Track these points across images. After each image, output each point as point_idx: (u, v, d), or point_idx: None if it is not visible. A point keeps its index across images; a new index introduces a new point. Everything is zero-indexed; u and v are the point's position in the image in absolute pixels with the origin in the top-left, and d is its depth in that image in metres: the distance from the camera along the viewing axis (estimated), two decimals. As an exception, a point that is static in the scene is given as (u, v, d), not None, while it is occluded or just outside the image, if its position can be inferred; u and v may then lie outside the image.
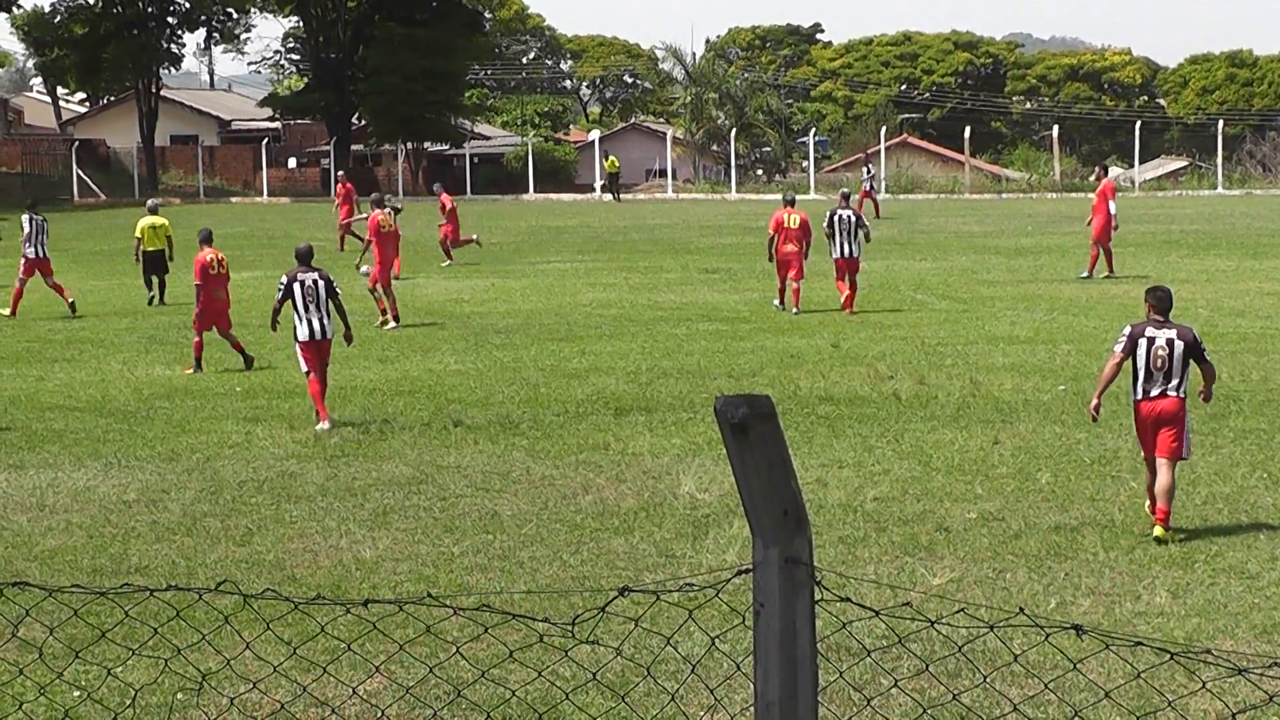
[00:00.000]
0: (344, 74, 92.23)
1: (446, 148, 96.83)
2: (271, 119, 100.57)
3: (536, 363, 23.35)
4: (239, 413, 19.41)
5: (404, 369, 22.98)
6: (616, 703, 8.99)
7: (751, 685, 3.76)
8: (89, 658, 9.34)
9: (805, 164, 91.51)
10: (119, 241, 46.35)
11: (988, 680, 9.15)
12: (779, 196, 38.45)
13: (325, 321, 18.97)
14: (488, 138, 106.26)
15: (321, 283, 19.11)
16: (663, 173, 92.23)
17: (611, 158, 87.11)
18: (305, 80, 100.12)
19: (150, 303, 32.56)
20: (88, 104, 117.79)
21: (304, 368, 18.94)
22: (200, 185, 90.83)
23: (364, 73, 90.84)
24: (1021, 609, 5.04)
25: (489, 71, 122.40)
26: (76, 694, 9.31)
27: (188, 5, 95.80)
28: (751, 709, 3.76)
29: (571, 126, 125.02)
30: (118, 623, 9.78)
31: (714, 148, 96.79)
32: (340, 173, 50.72)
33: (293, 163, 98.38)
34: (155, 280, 32.87)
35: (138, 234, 33.12)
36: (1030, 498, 14.22)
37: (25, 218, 31.82)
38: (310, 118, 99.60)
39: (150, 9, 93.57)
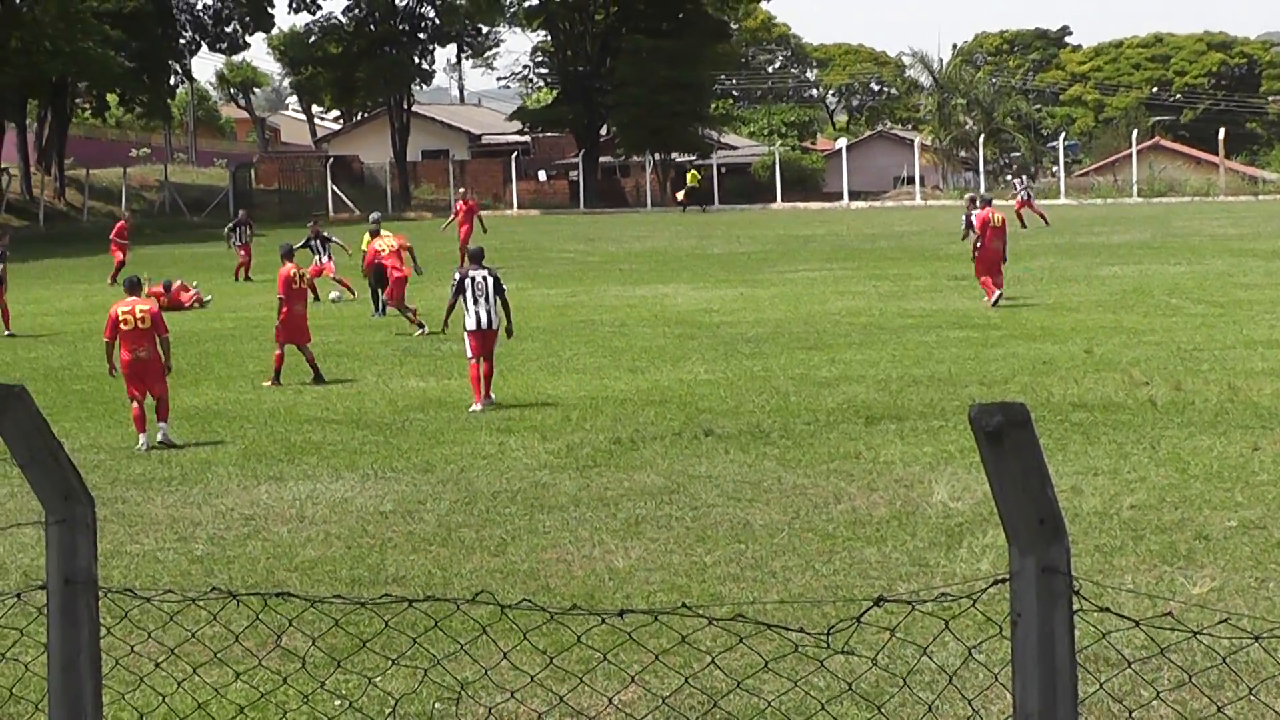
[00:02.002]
0: (592, 86, 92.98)
1: (694, 158, 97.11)
2: (521, 132, 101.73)
3: (786, 371, 23.27)
4: (492, 424, 19.59)
5: (654, 379, 23.03)
6: (872, 713, 8.89)
7: (1009, 696, 3.68)
8: (350, 667, 9.48)
9: (1055, 168, 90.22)
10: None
11: (1253, 692, 8.88)
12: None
13: (491, 314, 20.93)
14: (735, 148, 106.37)
15: (490, 280, 21.13)
16: (910, 180, 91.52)
17: (693, 171, 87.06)
18: (554, 93, 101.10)
19: (373, 315, 33.24)
20: (341, 121, 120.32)
21: (469, 354, 21.01)
22: (452, 199, 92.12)
23: (611, 85, 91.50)
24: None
25: (735, 81, 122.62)
26: (338, 703, 9.44)
27: (438, 22, 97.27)
28: (1011, 722, 3.67)
29: (818, 135, 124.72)
30: (377, 632, 9.90)
31: (962, 154, 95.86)
32: (462, 189, 50.16)
33: (542, 175, 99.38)
34: (381, 292, 33.54)
35: (364, 248, 33.90)
36: (1296, 506, 13.81)
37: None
38: (559, 130, 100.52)
39: (402, 27, 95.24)
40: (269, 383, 23.81)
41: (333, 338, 29.77)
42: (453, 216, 47.93)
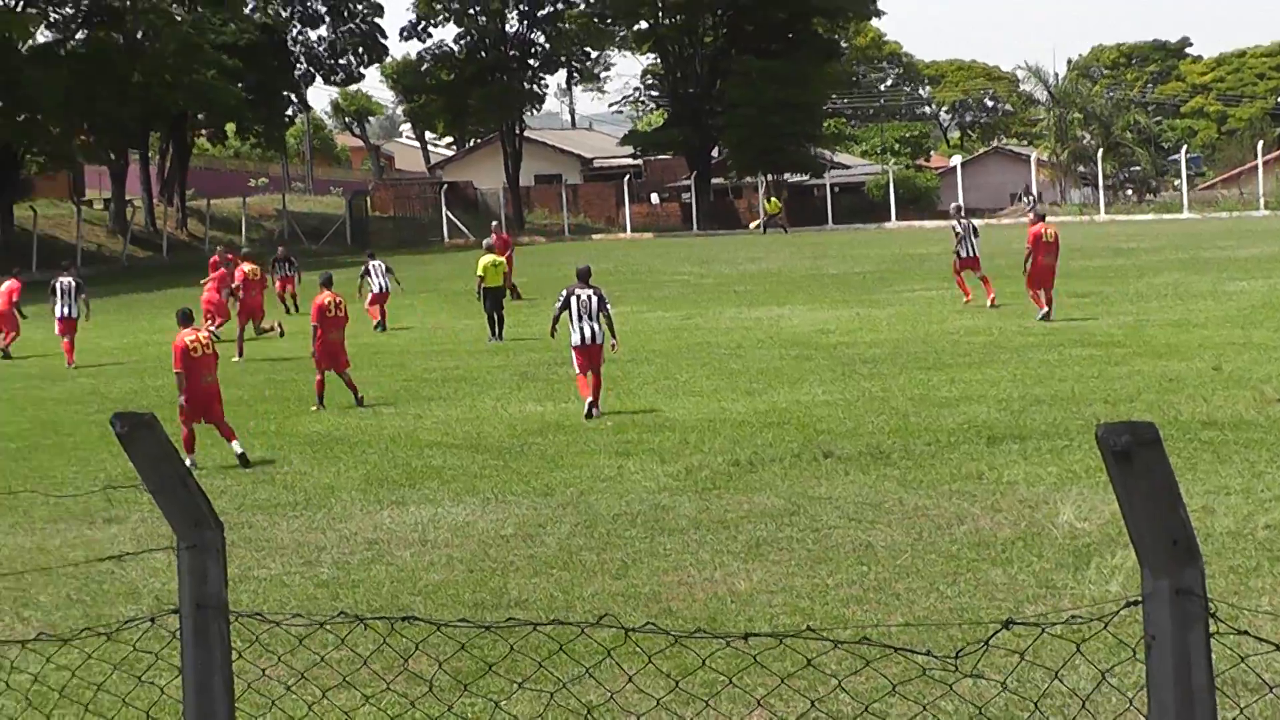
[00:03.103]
0: (702, 109, 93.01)
1: (806, 178, 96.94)
2: (632, 156, 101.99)
3: (905, 392, 23.10)
4: (610, 447, 19.58)
5: (772, 400, 22.94)
6: (1002, 738, 8.77)
7: (1144, 721, 3.60)
8: (476, 690, 9.47)
9: (1177, 182, 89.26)
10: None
11: (1396, 717, 8.69)
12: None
13: (596, 329, 22.31)
14: (847, 167, 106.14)
15: (595, 297, 22.44)
16: (1027, 195, 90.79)
17: (773, 199, 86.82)
18: (664, 116, 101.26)
19: (490, 340, 33.35)
20: (455, 147, 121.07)
21: (576, 368, 22.53)
22: (565, 223, 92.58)
23: (722, 107, 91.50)
24: None
25: (847, 100, 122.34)
26: (464, 726, 9.45)
27: (548, 48, 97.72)
28: (1155, 748, 3.58)
29: (932, 152, 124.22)
30: (502, 656, 9.89)
31: (1080, 169, 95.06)
32: (495, 223, 49.50)
33: (655, 198, 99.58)
34: (496, 317, 33.69)
35: (480, 271, 34.11)
36: None
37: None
38: (670, 153, 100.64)
39: (512, 53, 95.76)
40: (315, 408, 24.35)
41: (450, 363, 29.90)
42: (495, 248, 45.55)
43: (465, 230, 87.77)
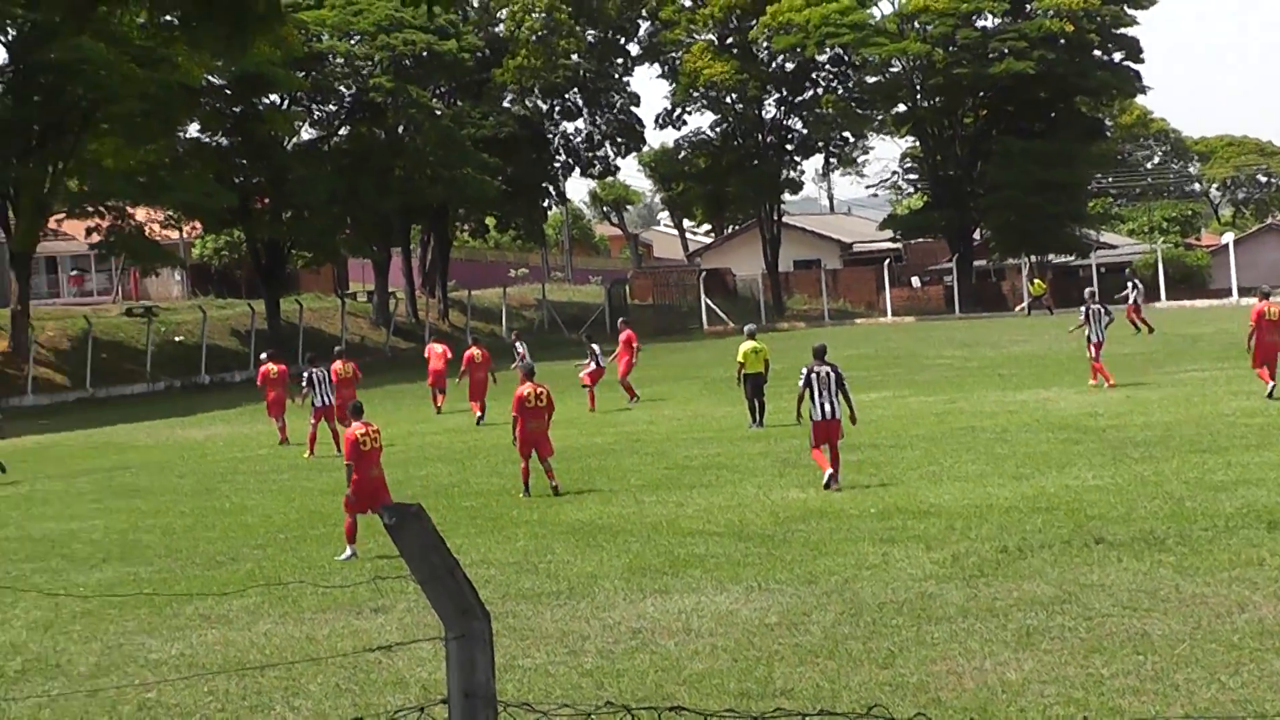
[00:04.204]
0: (963, 190, 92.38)
1: (1071, 258, 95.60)
2: (892, 239, 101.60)
3: (1179, 475, 22.49)
4: (875, 534, 19.34)
5: (1039, 485, 22.50)
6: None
7: None
8: (743, 783, 9.34)
9: None
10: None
11: None
12: None
13: (834, 406, 23.49)
14: (1114, 246, 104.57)
15: (833, 374, 23.69)
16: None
17: (1038, 280, 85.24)
18: (924, 199, 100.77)
19: (750, 427, 33.22)
20: (713, 234, 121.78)
21: (813, 442, 23.78)
22: (824, 308, 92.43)
23: (983, 188, 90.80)
24: None
25: (1112, 179, 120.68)
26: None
27: (805, 133, 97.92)
28: None
29: (1202, 230, 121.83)
30: (769, 748, 9.75)
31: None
32: (621, 319, 48.58)
33: (916, 281, 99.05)
34: (757, 403, 33.54)
35: (740, 358, 34.07)
36: None
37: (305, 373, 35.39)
38: (931, 236, 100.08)
39: (769, 139, 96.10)
40: (523, 495, 24.91)
41: (711, 450, 29.88)
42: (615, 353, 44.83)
43: (724, 317, 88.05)
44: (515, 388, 26.41)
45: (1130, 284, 64.50)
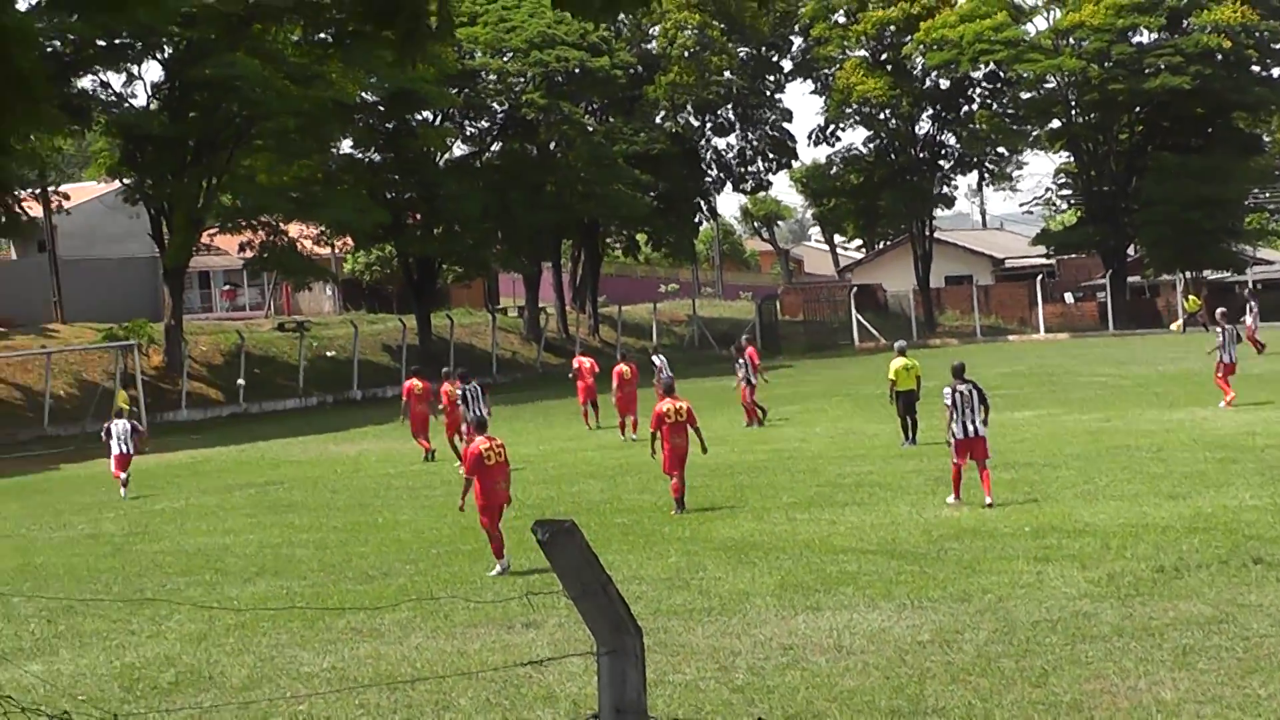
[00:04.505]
0: (1117, 206, 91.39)
1: (1227, 274, 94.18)
2: (1045, 255, 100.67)
3: (1339, 495, 22.13)
4: (1029, 552, 19.18)
5: (1196, 505, 22.19)
6: None
7: None
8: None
9: None
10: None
11: None
12: None
13: (976, 423, 23.64)
14: (1271, 262, 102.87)
15: (974, 392, 23.84)
16: None
17: (1192, 297, 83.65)
18: (1078, 214, 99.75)
19: (903, 444, 33.02)
20: (864, 250, 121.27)
21: (955, 459, 23.78)
22: (976, 324, 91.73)
23: (1138, 204, 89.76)
24: None
25: (1270, 194, 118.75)
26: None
27: (959, 149, 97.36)
28: None
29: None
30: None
31: None
32: (740, 342, 47.13)
33: (1069, 298, 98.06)
34: (910, 421, 33.32)
35: (892, 375, 33.85)
36: None
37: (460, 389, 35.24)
38: (1084, 252, 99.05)
39: (922, 154, 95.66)
40: (674, 512, 24.90)
41: (864, 468, 29.76)
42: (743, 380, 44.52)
43: (875, 333, 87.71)
44: (654, 404, 26.43)
45: (1249, 305, 63.64)
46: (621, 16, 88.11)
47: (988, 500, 23.19)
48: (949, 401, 23.90)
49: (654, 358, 44.72)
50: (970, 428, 23.66)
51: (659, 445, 25.59)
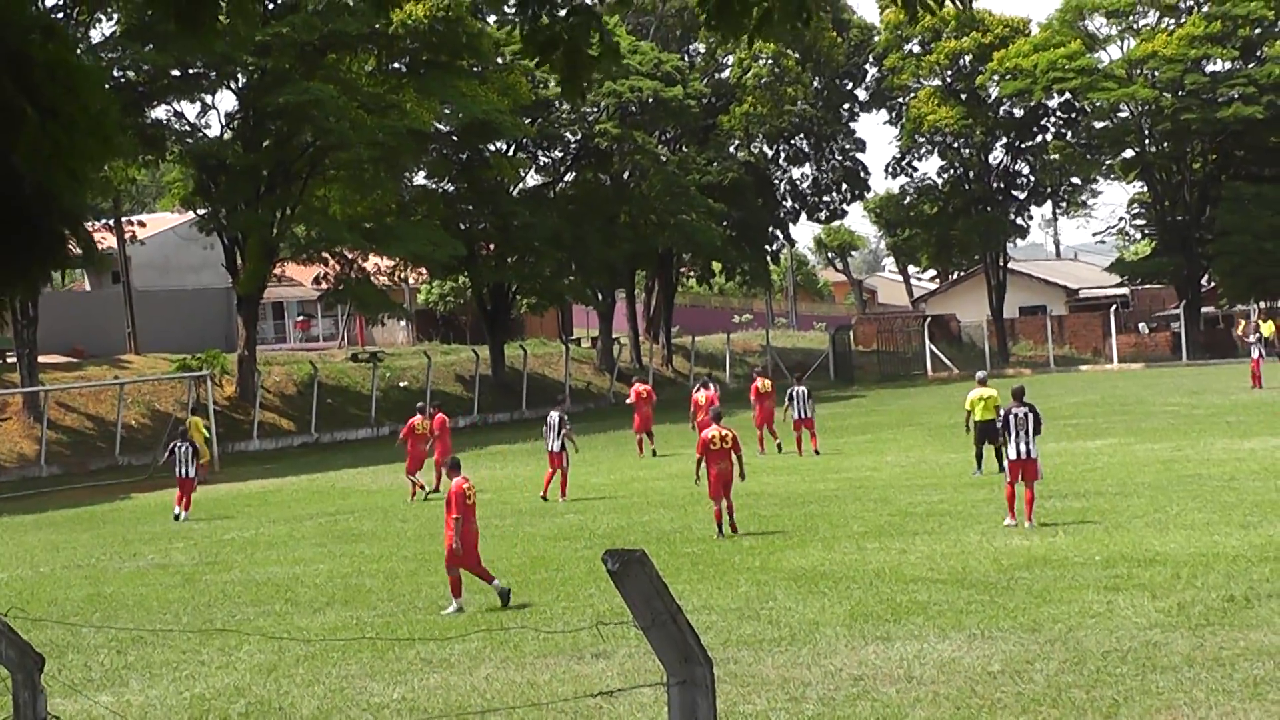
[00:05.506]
0: (1192, 236, 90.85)
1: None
2: (1119, 285, 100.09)
3: None
4: (1099, 582, 19.16)
5: (1268, 534, 22.11)
6: None
7: None
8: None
9: None
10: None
11: None
12: None
13: (1030, 446, 24.41)
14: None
15: (1030, 415, 24.56)
16: None
17: (1269, 321, 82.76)
18: (1152, 244, 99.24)
19: (974, 473, 32.98)
20: (937, 280, 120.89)
21: (1008, 478, 24.81)
22: (1050, 354, 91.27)
23: (1212, 234, 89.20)
24: None
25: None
26: None
27: (1033, 179, 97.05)
28: None
29: None
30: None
31: None
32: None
33: (1143, 328, 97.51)
34: (983, 451, 33.25)
35: (968, 406, 33.81)
36: None
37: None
38: (1158, 282, 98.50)
39: (997, 185, 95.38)
40: (717, 536, 25.70)
41: (935, 497, 29.74)
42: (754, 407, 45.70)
43: (948, 364, 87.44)
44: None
45: (1255, 334, 63.35)
46: (696, 46, 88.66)
47: (1028, 523, 24.32)
48: (1001, 423, 25.21)
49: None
50: (1023, 449, 24.55)
51: (703, 471, 26.53)
